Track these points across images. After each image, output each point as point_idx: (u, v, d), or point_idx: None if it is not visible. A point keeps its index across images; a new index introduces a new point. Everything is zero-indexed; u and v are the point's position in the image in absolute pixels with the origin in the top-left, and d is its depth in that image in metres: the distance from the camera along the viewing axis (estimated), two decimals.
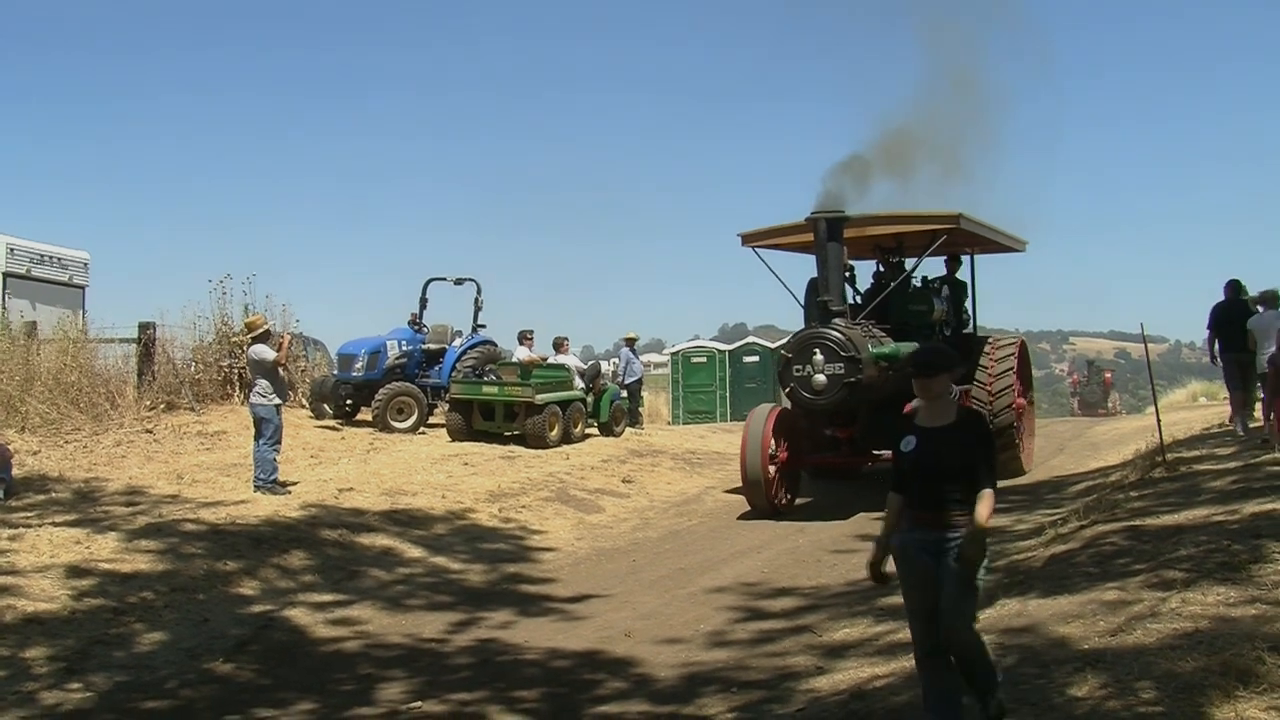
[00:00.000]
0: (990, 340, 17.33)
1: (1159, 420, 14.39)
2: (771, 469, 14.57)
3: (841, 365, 13.81)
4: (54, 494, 13.15)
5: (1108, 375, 50.59)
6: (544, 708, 7.61)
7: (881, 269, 17.22)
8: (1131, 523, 9.51)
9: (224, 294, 20.92)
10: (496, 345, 22.34)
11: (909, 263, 17.30)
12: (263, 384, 14.20)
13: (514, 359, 21.21)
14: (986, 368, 16.53)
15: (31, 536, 11.00)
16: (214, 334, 20.80)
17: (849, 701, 6.66)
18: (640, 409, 25.68)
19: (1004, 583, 8.72)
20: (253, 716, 7.65)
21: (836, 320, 14.34)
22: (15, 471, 13.52)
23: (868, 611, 9.05)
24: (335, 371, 21.53)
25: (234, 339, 20.30)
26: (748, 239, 16.60)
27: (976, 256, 18.73)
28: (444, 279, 22.66)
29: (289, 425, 16.68)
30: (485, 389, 19.65)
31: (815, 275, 15.45)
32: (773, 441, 14.64)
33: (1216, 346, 15.93)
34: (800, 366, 14.08)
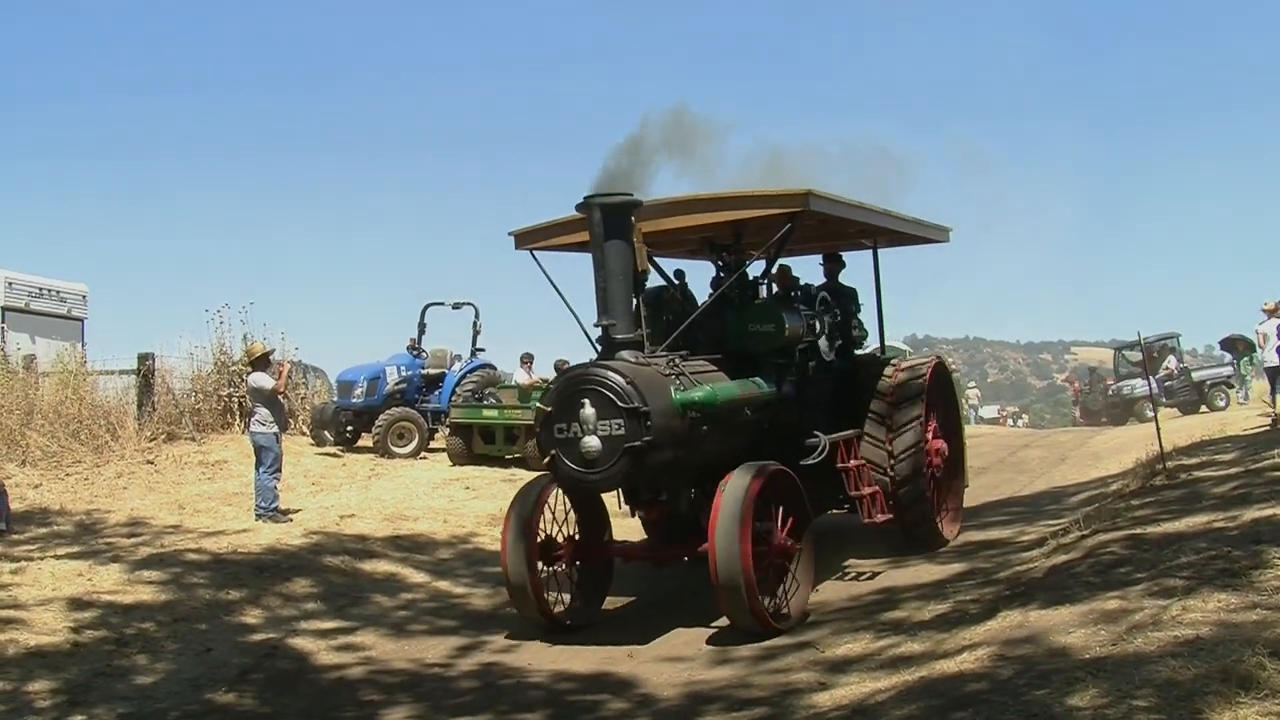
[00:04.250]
0: (893, 363, 12.92)
1: (1158, 428, 14.39)
2: (552, 566, 10.45)
3: (621, 422, 9.18)
4: (56, 527, 13.16)
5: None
6: None
7: (722, 275, 12.00)
8: (1132, 531, 9.50)
9: (222, 323, 21.03)
10: (496, 368, 22.39)
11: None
12: (262, 412, 14.25)
13: (513, 382, 21.21)
14: (884, 401, 12.34)
15: (33, 569, 11.01)
16: (213, 363, 20.86)
17: (851, 717, 6.64)
18: None
19: (1005, 594, 8.72)
20: None
21: (624, 353, 9.79)
22: (16, 505, 13.56)
23: (870, 626, 9.04)
24: (335, 398, 21.63)
25: (233, 367, 20.38)
26: (522, 239, 11.76)
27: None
28: (442, 304, 22.68)
29: (290, 453, 16.71)
30: (485, 412, 19.67)
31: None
32: (552, 524, 10.49)
33: None
34: (563, 425, 9.38)
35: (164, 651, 9.43)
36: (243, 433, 18.87)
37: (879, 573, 11.31)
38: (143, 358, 19.88)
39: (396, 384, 21.25)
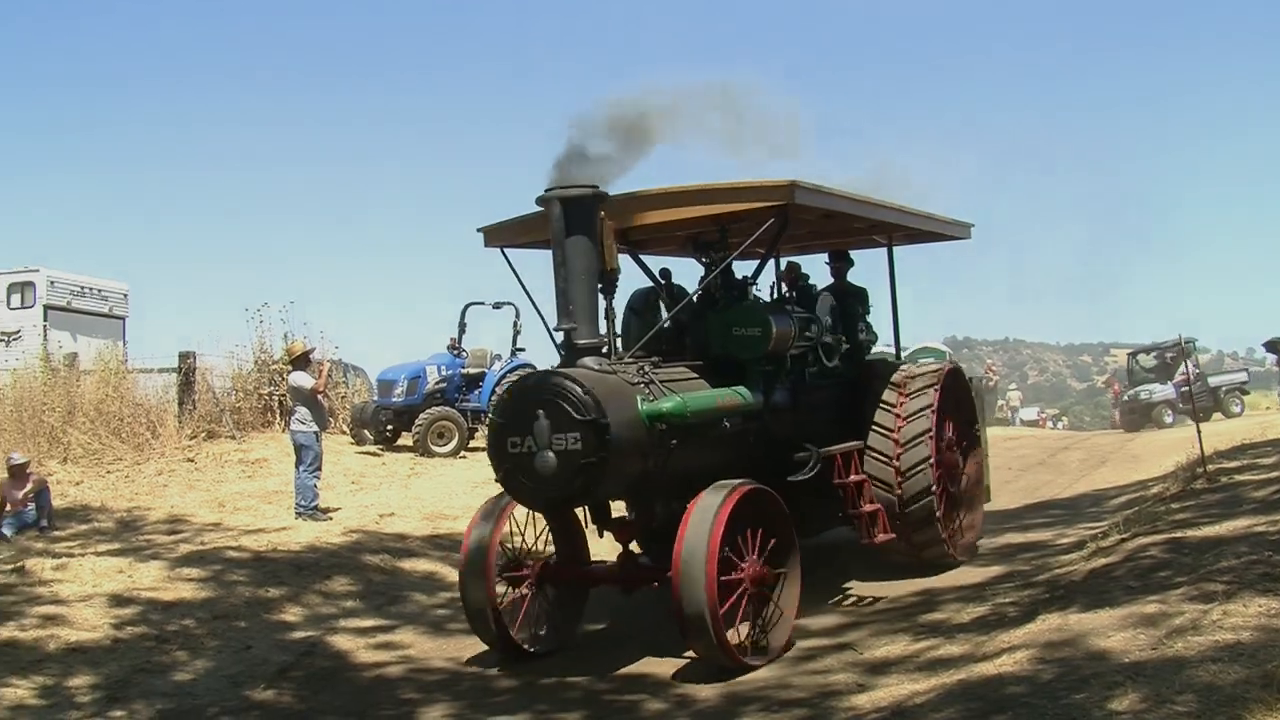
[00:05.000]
0: (903, 370, 11.80)
1: (1199, 431, 14.25)
2: (515, 589, 9.59)
3: (578, 435, 8.31)
4: (97, 524, 13.29)
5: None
6: None
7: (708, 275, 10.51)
8: (1172, 535, 9.42)
9: (262, 322, 21.20)
10: (535, 368, 22.36)
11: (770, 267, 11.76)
12: (302, 411, 14.34)
13: None
14: (891, 408, 11.27)
15: (75, 566, 11.13)
16: (253, 362, 21.02)
17: (890, 718, 6.63)
18: None
19: (1044, 597, 8.66)
20: None
21: (586, 360, 8.91)
22: (58, 502, 13.70)
23: (909, 628, 9.00)
24: (375, 397, 21.69)
25: (273, 366, 20.52)
26: (492, 236, 10.74)
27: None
28: (482, 303, 22.67)
29: (330, 452, 16.80)
30: None
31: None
32: (514, 543, 9.69)
33: None
34: (517, 439, 8.55)
35: (204, 648, 9.51)
36: (283, 431, 18.98)
37: (917, 575, 11.23)
38: (183, 356, 20.06)
39: (436, 383, 21.29)
